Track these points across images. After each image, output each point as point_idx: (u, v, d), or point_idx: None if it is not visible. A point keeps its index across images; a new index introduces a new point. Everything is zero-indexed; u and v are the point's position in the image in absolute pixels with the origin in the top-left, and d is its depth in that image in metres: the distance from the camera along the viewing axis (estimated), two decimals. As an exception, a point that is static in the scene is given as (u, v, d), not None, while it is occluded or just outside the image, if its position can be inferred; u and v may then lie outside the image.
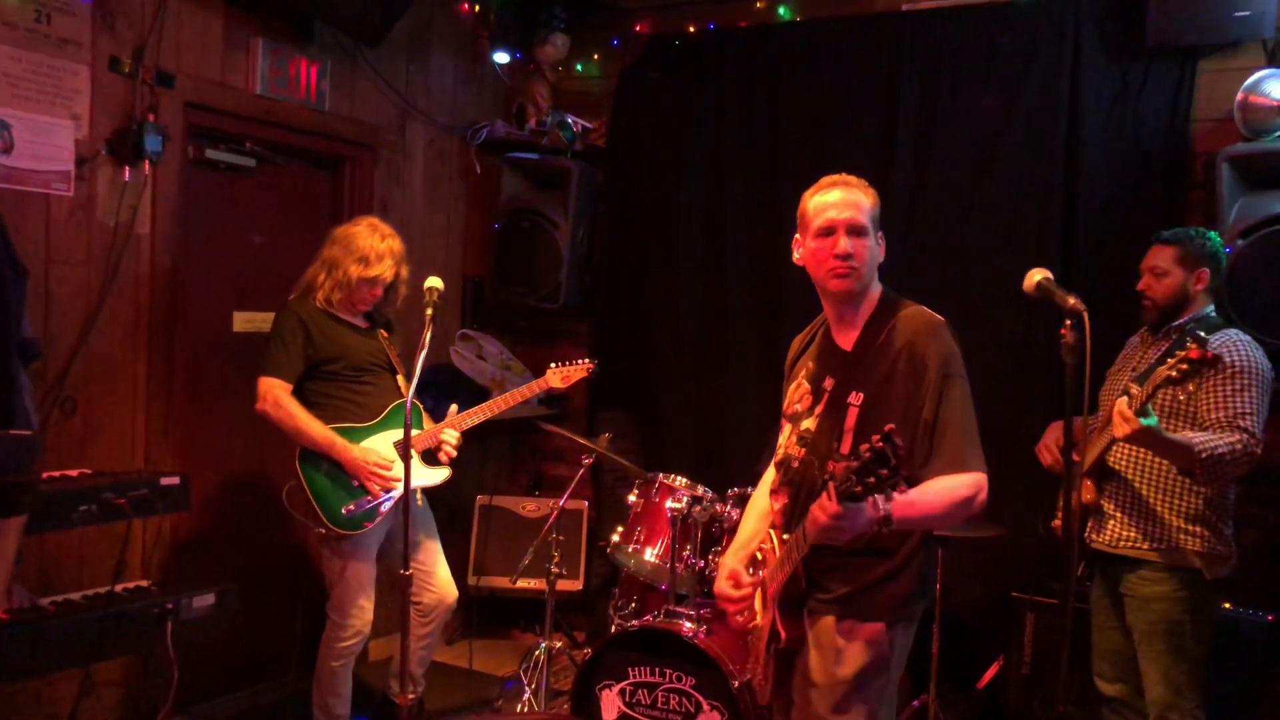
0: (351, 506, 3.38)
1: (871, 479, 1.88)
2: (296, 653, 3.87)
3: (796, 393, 2.47)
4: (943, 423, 2.19)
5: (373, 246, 3.45)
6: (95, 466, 3.26)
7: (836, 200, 2.32)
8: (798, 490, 2.37)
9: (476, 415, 3.62)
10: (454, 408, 3.65)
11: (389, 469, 3.39)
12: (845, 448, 2.23)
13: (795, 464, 2.39)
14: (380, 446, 3.46)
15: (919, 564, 2.31)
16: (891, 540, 2.24)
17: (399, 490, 3.41)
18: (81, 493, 2.75)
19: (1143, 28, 3.83)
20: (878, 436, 1.86)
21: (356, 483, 3.40)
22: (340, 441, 3.37)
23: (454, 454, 3.58)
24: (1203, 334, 2.71)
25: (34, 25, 3.19)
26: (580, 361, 3.81)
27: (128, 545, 3.36)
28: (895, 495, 1.99)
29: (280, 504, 3.45)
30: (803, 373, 2.48)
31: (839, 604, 2.30)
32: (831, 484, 1.98)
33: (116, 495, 2.78)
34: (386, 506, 3.42)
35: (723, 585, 2.49)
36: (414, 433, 3.46)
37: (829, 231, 2.31)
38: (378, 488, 3.38)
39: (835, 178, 2.38)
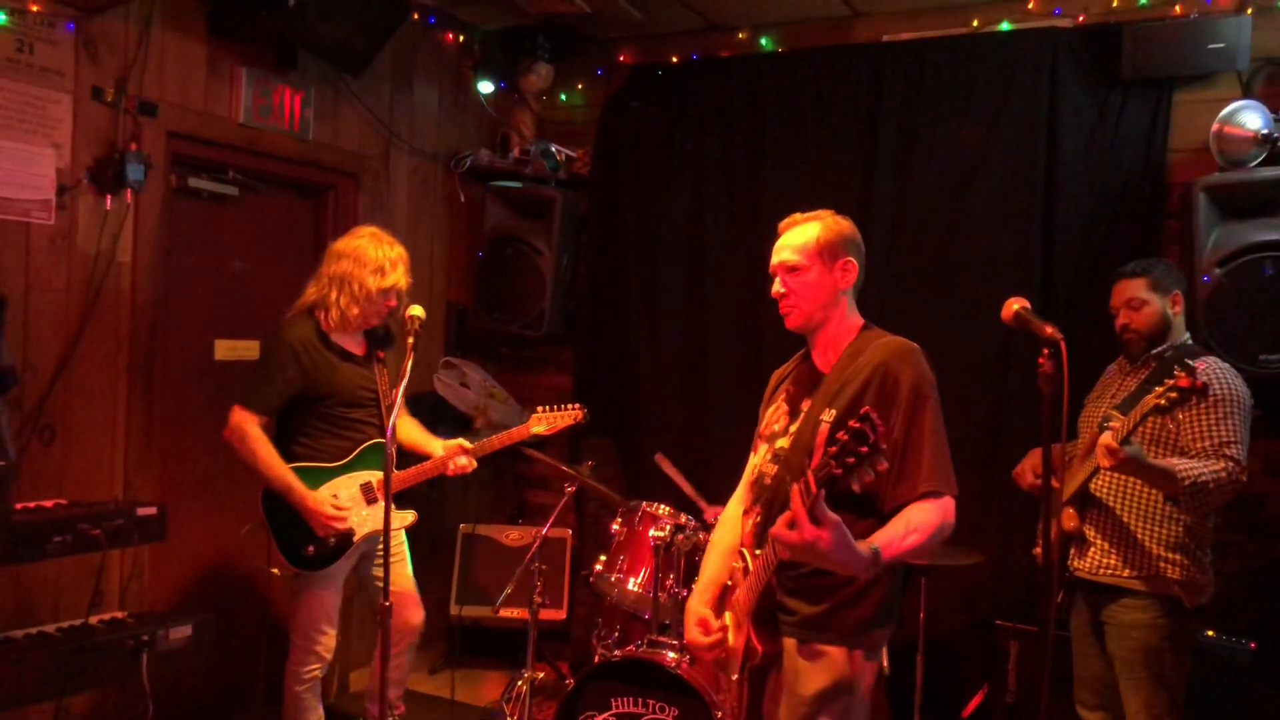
0: (312, 549, 3.34)
1: (851, 458, 1.86)
2: (264, 683, 3.83)
3: (774, 414, 2.52)
4: (913, 442, 2.22)
5: (385, 255, 3.41)
6: (74, 496, 3.23)
7: (776, 246, 2.45)
8: (770, 506, 2.38)
9: (422, 474, 3.56)
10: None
11: (343, 520, 3.35)
12: (815, 462, 2.19)
13: (768, 480, 2.42)
14: (344, 489, 3.41)
15: (883, 588, 2.32)
16: None
17: (360, 531, 3.40)
18: (56, 524, 2.72)
19: (1119, 59, 3.89)
20: (854, 420, 1.86)
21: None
22: (298, 487, 3.30)
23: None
24: (1190, 362, 2.72)
25: (16, 55, 3.19)
26: (568, 407, 3.73)
27: (103, 576, 3.33)
28: (878, 535, 2.06)
29: (258, 534, 3.40)
30: (782, 396, 2.53)
31: (801, 626, 2.32)
32: (810, 472, 1.95)
33: (92, 526, 2.76)
34: (348, 542, 3.39)
35: (693, 633, 2.51)
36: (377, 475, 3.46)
37: (774, 277, 2.45)
38: (328, 534, 3.34)
39: (786, 221, 2.48)
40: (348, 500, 3.40)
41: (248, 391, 3.36)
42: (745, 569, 2.42)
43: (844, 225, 2.44)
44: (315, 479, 3.36)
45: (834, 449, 1.90)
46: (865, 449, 1.85)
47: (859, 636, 2.30)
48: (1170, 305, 3.09)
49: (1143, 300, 3.09)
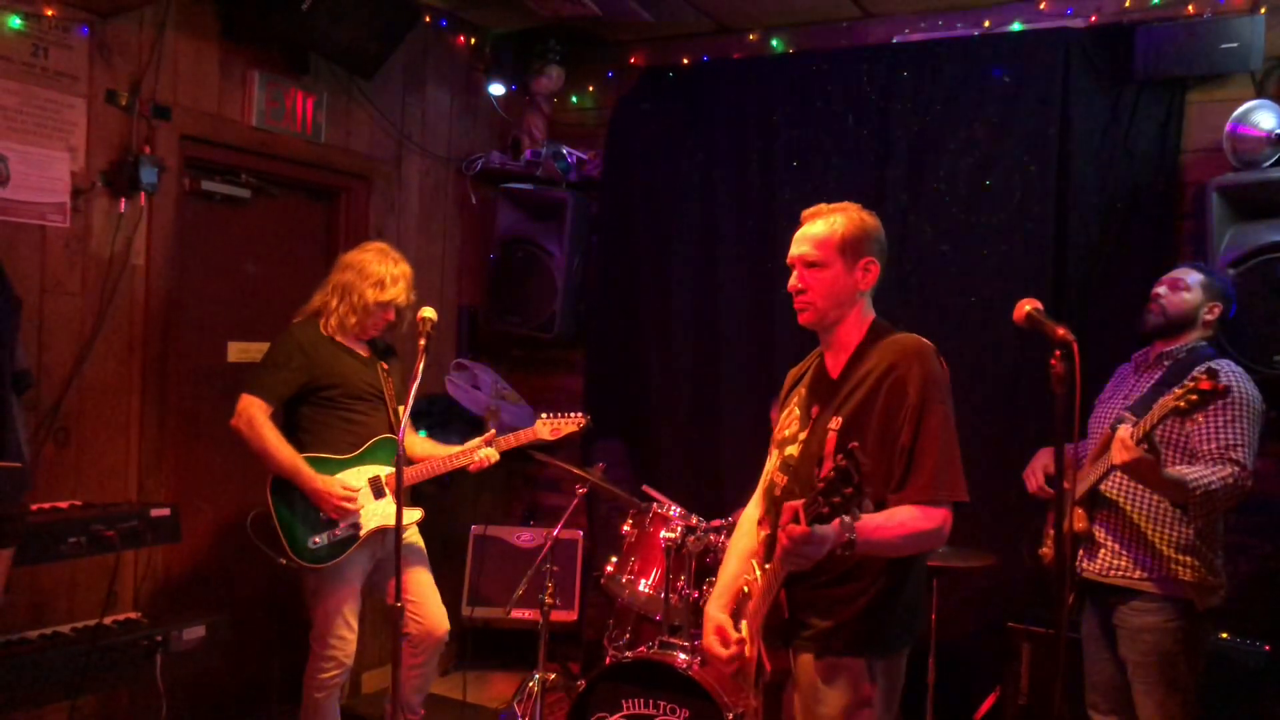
0: (318, 539, 3.36)
1: (836, 499, 1.86)
2: (278, 683, 3.84)
3: (787, 419, 2.47)
4: (919, 448, 2.17)
5: (388, 271, 3.49)
6: (88, 497, 3.26)
7: (796, 236, 2.38)
8: (779, 519, 2.30)
9: (448, 464, 3.60)
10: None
11: (353, 500, 3.38)
12: (825, 472, 2.19)
13: (778, 491, 2.37)
14: (352, 481, 3.44)
15: (902, 598, 2.27)
16: (870, 573, 2.23)
17: (367, 525, 3.42)
18: (70, 524, 2.74)
19: (1131, 59, 3.87)
20: (840, 456, 1.85)
21: (324, 515, 3.38)
22: (306, 470, 3.34)
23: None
24: (1214, 366, 2.70)
25: (31, 59, 3.21)
26: (572, 415, 3.80)
27: (118, 576, 3.34)
28: (862, 517, 1.97)
29: (265, 523, 3.40)
30: (795, 400, 2.48)
31: (817, 641, 2.26)
32: (800, 508, 1.96)
33: (106, 527, 2.78)
34: (353, 535, 3.40)
35: (710, 641, 2.43)
36: (388, 471, 3.49)
37: (791, 268, 2.37)
38: (339, 515, 3.37)
39: (810, 210, 2.40)
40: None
41: (255, 380, 3.40)
42: (756, 580, 2.38)
43: (868, 221, 2.35)
44: (324, 469, 3.39)
45: (822, 484, 1.89)
46: (850, 490, 1.84)
47: (878, 648, 2.25)
48: (1206, 310, 3.08)
49: (1187, 287, 3.09)
